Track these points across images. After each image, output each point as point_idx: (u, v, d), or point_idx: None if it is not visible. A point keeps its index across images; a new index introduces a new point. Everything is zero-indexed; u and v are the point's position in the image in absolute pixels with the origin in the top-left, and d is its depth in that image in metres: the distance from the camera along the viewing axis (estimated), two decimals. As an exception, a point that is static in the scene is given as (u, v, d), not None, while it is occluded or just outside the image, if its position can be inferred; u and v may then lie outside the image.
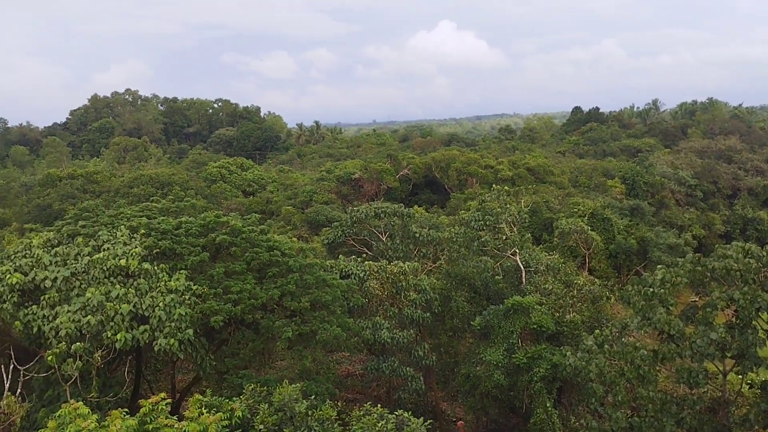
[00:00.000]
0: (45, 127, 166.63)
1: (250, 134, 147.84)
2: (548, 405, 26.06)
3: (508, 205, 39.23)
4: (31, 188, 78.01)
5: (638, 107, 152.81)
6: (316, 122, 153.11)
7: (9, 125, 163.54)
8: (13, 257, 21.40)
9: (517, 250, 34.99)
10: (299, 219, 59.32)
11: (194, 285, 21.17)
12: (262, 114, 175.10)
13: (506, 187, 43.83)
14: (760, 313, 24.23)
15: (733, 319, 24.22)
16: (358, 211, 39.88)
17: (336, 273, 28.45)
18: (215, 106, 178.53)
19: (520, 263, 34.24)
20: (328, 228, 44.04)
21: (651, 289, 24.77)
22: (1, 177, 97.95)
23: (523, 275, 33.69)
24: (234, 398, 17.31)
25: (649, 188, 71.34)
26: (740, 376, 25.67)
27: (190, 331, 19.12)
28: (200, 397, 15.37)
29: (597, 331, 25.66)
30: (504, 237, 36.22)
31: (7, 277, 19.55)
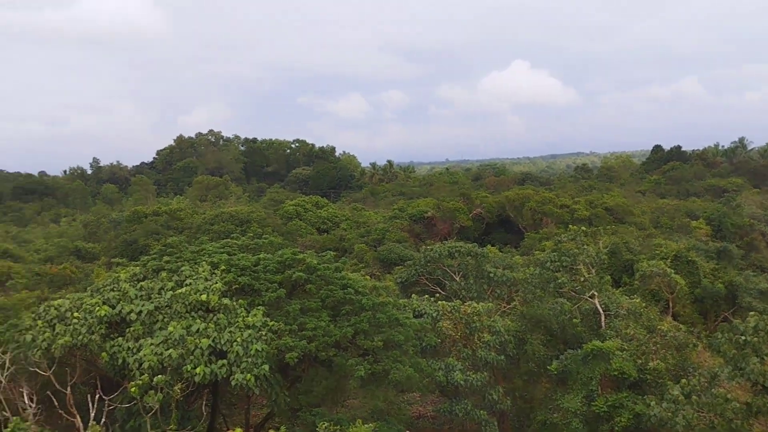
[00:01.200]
0: (133, 167, 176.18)
1: (325, 173, 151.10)
2: (631, 457, 24.79)
3: (585, 246, 38.16)
4: (119, 224, 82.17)
5: (723, 146, 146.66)
6: (389, 161, 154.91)
7: (101, 164, 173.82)
8: (101, 290, 22.43)
9: (596, 293, 33.86)
10: (372, 257, 59.63)
11: (271, 321, 21.51)
12: (336, 153, 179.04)
13: (583, 228, 42.70)
14: None
15: (837, 373, 22.49)
16: (431, 250, 39.77)
17: (409, 312, 28.31)
18: (292, 146, 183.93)
19: (599, 306, 33.09)
20: (401, 266, 44.06)
21: (743, 337, 23.36)
22: (93, 213, 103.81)
23: (603, 319, 32.50)
24: (307, 436, 17.34)
25: (737, 230, 67.88)
26: None
27: (266, 367, 19.37)
28: (274, 433, 15.48)
29: (684, 380, 24.34)
30: (581, 279, 35.17)
31: (96, 309, 20.47)
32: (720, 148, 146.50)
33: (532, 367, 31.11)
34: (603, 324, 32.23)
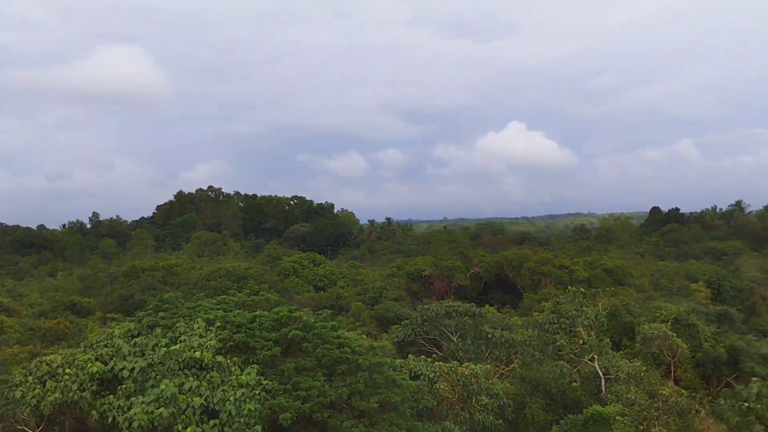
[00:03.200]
0: (133, 221, 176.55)
1: (323, 230, 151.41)
2: None
3: (584, 308, 37.91)
4: (116, 279, 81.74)
5: (721, 208, 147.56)
6: (388, 219, 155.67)
7: (101, 219, 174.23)
8: (95, 346, 22.16)
9: (596, 356, 33.41)
10: (368, 315, 59.10)
11: (265, 380, 21.16)
12: (335, 210, 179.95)
13: (582, 289, 42.49)
14: None
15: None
16: (428, 309, 39.47)
17: (405, 373, 27.86)
18: (291, 202, 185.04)
19: (599, 370, 32.59)
20: (397, 326, 43.59)
21: (746, 404, 23.00)
22: (90, 267, 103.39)
23: (603, 383, 31.95)
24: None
25: (737, 293, 67.58)
26: None
27: (259, 428, 18.95)
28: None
29: (687, 448, 23.79)
30: (581, 341, 34.79)
31: (89, 365, 20.18)
32: (718, 211, 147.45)
33: (532, 432, 30.39)
34: (603, 388, 31.67)
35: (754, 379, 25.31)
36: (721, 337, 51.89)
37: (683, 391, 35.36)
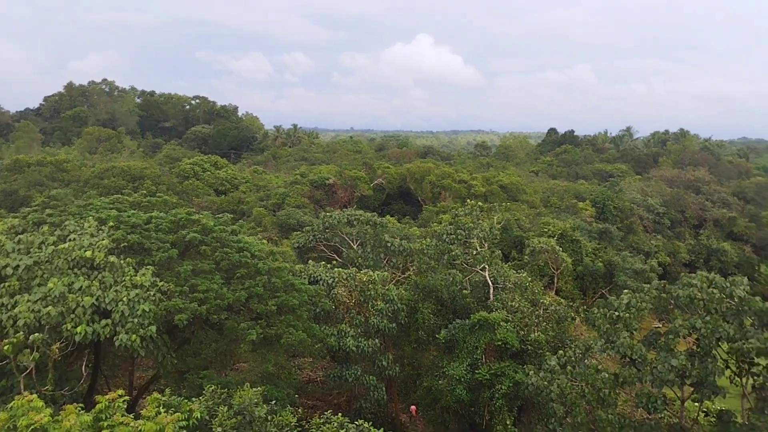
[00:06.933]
0: (17, 112, 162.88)
1: (226, 133, 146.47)
2: (508, 422, 26.20)
3: (480, 221, 39.51)
4: (-3, 172, 76.11)
5: (612, 133, 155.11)
6: (294, 125, 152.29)
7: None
8: (-27, 242, 20.80)
9: (487, 266, 35.19)
10: (270, 221, 58.88)
11: (161, 281, 20.83)
12: (239, 114, 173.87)
13: (479, 203, 44.17)
14: (720, 343, 24.71)
15: (694, 347, 24.68)
16: (330, 216, 39.79)
17: (304, 278, 28.31)
18: (193, 102, 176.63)
19: (488, 279, 34.44)
20: (299, 232, 43.79)
21: (616, 313, 25.12)
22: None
23: (491, 291, 33.89)
24: (193, 399, 17.03)
25: (619, 213, 72.44)
26: (697, 404, 26.14)
27: (153, 328, 18.78)
28: (158, 395, 15.08)
29: (560, 351, 25.92)
30: (474, 252, 36.43)
31: (-33, 262, 19.02)
32: (609, 135, 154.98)
33: (422, 336, 32.06)
34: (491, 296, 33.61)
35: (625, 291, 27.61)
36: (600, 253, 56.03)
37: (562, 300, 38.27)
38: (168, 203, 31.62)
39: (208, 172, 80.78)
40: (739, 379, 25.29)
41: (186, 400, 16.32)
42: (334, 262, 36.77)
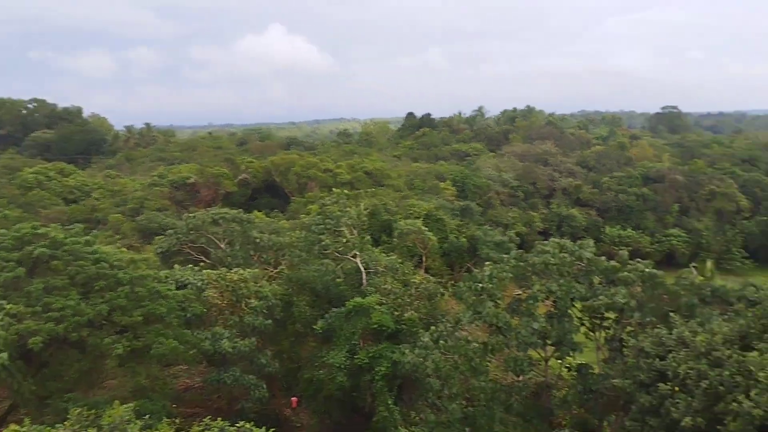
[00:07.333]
0: None
1: (71, 137, 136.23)
2: (390, 402, 26.84)
3: (347, 209, 39.95)
4: None
5: (465, 114, 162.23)
6: (147, 124, 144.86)
7: None
8: None
9: (358, 253, 35.69)
10: (129, 227, 55.87)
11: (8, 304, 19.17)
12: (85, 115, 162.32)
13: (345, 191, 44.66)
14: (574, 303, 26.90)
15: (552, 309, 26.66)
16: (194, 217, 38.54)
17: (171, 284, 27.24)
18: (29, 106, 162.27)
19: (360, 265, 34.96)
20: (162, 236, 41.94)
21: (480, 285, 26.51)
22: None
23: (364, 277, 34.43)
24: (57, 425, 15.90)
25: (477, 190, 76.10)
26: (560, 361, 28.31)
27: (5, 355, 17.31)
28: (17, 427, 13.94)
29: (433, 327, 26.94)
30: (344, 240, 36.79)
31: None
32: (463, 116, 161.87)
33: (299, 329, 32.00)
34: (364, 281, 34.17)
35: (487, 263, 29.17)
36: (463, 229, 58.63)
37: (431, 278, 39.66)
38: (9, 218, 29.11)
39: (55, 181, 74.90)
40: (593, 334, 27.70)
41: (49, 428, 15.21)
42: (202, 264, 35.67)
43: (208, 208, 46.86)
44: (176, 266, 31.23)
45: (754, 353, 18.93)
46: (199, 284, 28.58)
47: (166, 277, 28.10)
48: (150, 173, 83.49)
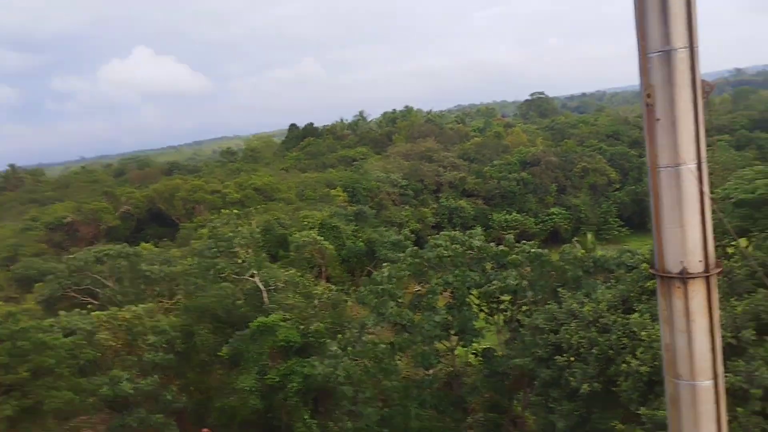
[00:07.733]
0: None
1: None
2: (306, 417, 26.65)
3: (239, 228, 39.24)
4: None
5: (347, 120, 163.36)
6: (11, 165, 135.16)
7: None
8: None
9: (255, 272, 35.12)
10: (4, 277, 51.96)
11: None
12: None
13: (236, 210, 43.87)
14: (471, 291, 27.90)
15: (451, 300, 27.53)
16: (75, 258, 36.52)
17: (58, 332, 25.64)
18: None
19: (260, 284, 34.43)
20: (41, 283, 39.33)
21: (380, 287, 26.92)
22: None
23: (265, 295, 33.94)
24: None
25: (368, 193, 76.98)
26: (465, 349, 29.26)
27: None
28: None
29: (340, 335, 27.06)
30: (240, 260, 36.11)
31: None
32: (345, 122, 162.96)
33: (204, 358, 31.06)
34: (266, 299, 33.68)
35: (384, 264, 29.65)
36: (359, 233, 59.18)
37: (333, 287, 39.76)
38: None
39: None
40: (492, 318, 28.84)
41: None
42: (90, 306, 33.80)
43: (90, 247, 44.48)
44: (61, 313, 29.39)
45: (635, 315, 20.47)
46: (89, 328, 27.06)
47: (51, 326, 26.40)
48: (21, 217, 78.04)
